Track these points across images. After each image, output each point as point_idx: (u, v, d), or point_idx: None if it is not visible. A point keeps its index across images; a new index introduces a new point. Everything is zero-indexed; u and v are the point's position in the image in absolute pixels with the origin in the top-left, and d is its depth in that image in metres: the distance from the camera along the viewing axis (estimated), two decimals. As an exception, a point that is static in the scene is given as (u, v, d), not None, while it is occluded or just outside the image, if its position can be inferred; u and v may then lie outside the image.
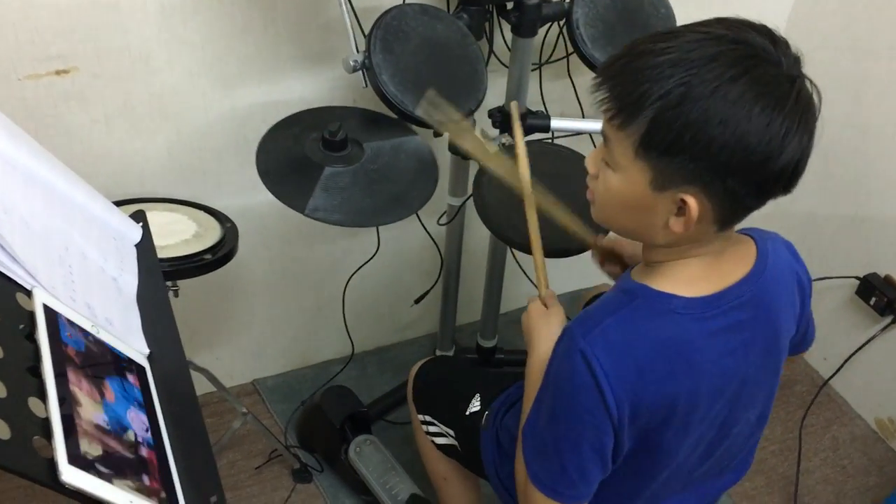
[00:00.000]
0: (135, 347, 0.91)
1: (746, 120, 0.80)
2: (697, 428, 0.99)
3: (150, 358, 0.92)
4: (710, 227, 0.89)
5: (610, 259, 1.25)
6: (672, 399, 0.93)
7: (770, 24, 0.85)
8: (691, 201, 0.85)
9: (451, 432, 1.40)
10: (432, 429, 1.44)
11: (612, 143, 0.89)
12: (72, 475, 0.67)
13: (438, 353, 2.10)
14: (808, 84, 0.84)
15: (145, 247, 1.07)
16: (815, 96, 0.85)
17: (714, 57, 0.81)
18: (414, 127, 1.44)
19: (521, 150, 1.27)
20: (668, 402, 0.93)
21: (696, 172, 0.83)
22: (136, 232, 1.07)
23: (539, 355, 1.08)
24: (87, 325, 0.84)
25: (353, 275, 1.91)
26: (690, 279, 0.93)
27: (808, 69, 0.86)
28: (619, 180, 0.90)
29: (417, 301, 2.03)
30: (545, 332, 1.10)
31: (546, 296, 1.16)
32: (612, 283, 1.21)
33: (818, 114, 0.85)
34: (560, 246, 1.33)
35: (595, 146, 1.82)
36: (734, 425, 1.04)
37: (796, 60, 0.84)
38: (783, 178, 0.85)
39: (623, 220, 0.95)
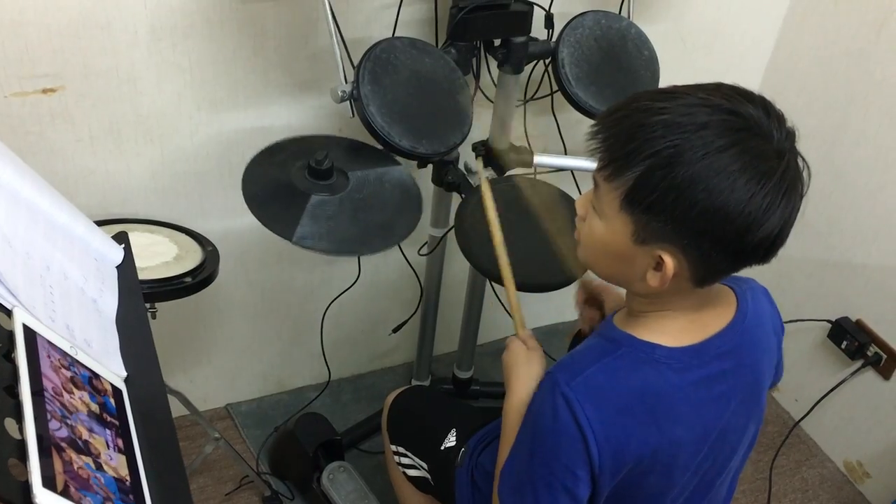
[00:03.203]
0: (112, 369, 0.90)
1: (730, 190, 0.82)
2: (681, 477, 1.00)
3: (127, 380, 0.91)
4: (686, 283, 0.91)
5: (591, 302, 1.25)
6: (654, 447, 0.94)
7: (767, 95, 0.87)
8: (668, 259, 0.87)
9: (425, 465, 1.39)
10: (405, 460, 1.43)
11: (600, 192, 0.90)
12: (45, 498, 0.66)
13: (414, 382, 2.10)
14: (798, 160, 0.86)
15: (126, 269, 1.07)
16: (804, 173, 0.87)
17: (706, 125, 0.82)
18: (398, 158, 1.45)
19: (488, 196, 1.29)
20: (649, 450, 0.94)
21: (676, 233, 0.85)
22: (117, 253, 1.07)
23: (518, 397, 1.08)
24: (65, 346, 0.84)
25: (332, 302, 1.91)
26: (673, 330, 0.95)
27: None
28: (604, 227, 0.91)
29: (395, 330, 2.03)
30: (525, 375, 1.09)
31: (524, 336, 1.16)
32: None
33: (805, 190, 0.87)
34: (538, 281, 1.35)
35: (577, 183, 1.87)
36: (718, 476, 1.05)
37: (789, 135, 0.85)
38: (760, 249, 0.87)
39: (604, 264, 0.97)
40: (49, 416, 0.74)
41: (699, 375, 0.94)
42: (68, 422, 0.76)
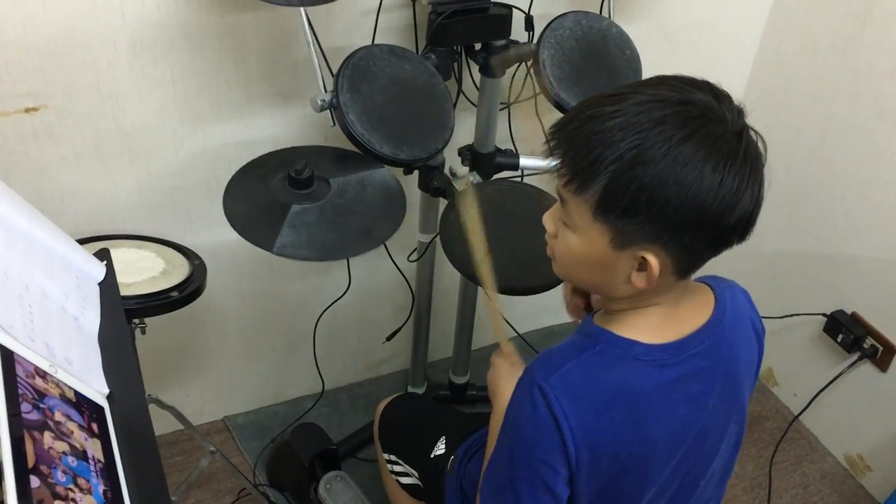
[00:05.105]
0: (94, 387, 0.90)
1: (699, 180, 0.81)
2: (658, 477, 0.99)
3: (109, 398, 0.91)
4: (670, 277, 0.90)
5: (578, 292, 1.23)
6: (630, 444, 0.93)
7: (712, 79, 0.87)
8: (651, 258, 0.86)
9: (416, 473, 1.39)
10: (397, 468, 1.43)
11: (569, 206, 0.89)
12: (22, 519, 0.66)
13: (410, 389, 2.10)
14: (752, 135, 0.86)
15: (108, 285, 1.06)
16: (760, 145, 0.87)
17: (662, 120, 0.82)
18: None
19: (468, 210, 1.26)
20: (625, 447, 0.93)
21: (655, 231, 0.85)
22: (99, 270, 1.07)
23: (501, 413, 1.07)
24: (45, 366, 0.84)
25: (324, 311, 1.91)
26: (651, 327, 0.94)
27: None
28: (579, 240, 0.90)
29: (389, 338, 2.02)
30: (508, 392, 1.08)
31: (508, 352, 1.17)
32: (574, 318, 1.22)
33: (765, 162, 0.87)
34: (526, 284, 1.35)
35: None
36: (700, 477, 1.04)
37: (740, 113, 0.86)
38: (738, 229, 0.87)
39: (585, 276, 0.96)
40: (21, 400, 0.73)
41: (676, 374, 0.94)
42: (40, 405, 0.75)
